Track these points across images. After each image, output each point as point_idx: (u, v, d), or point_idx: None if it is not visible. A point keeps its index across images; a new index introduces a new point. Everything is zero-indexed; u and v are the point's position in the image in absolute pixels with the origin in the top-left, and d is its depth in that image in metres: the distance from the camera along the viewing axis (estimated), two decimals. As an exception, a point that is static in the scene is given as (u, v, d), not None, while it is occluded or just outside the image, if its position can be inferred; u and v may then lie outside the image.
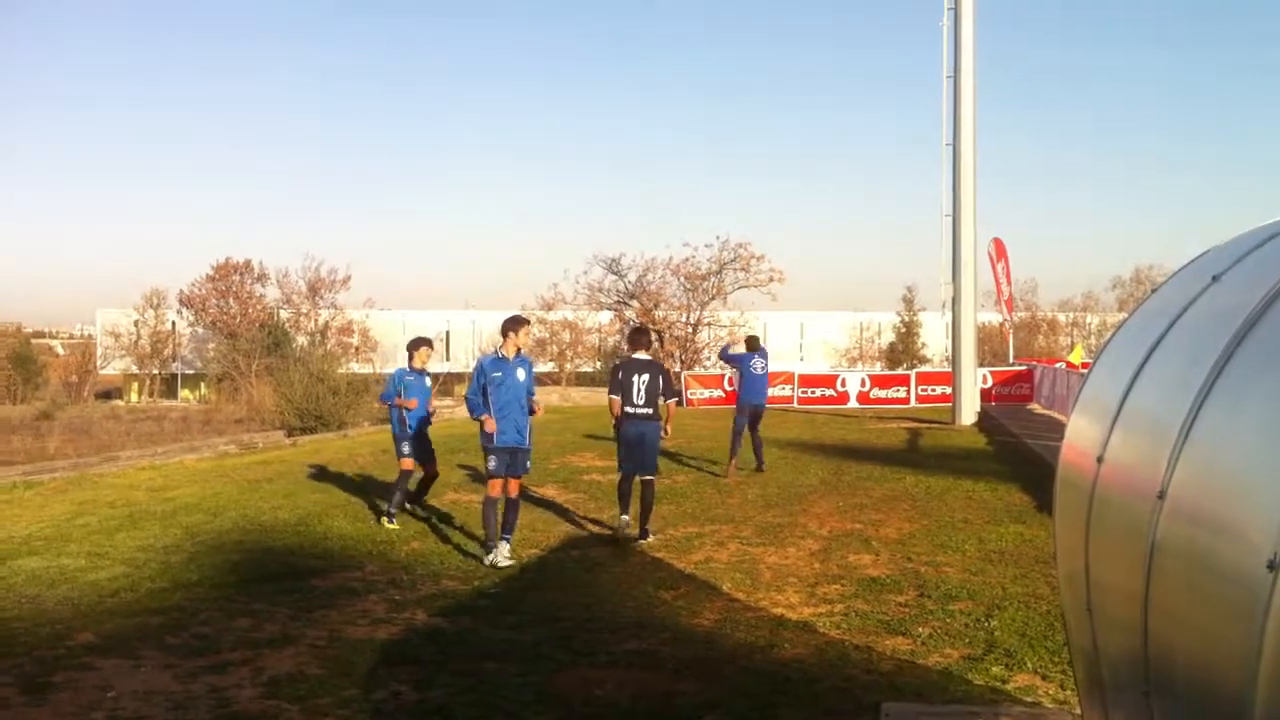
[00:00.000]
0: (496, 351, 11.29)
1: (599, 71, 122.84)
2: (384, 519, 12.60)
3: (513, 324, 11.39)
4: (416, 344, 13.66)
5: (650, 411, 12.21)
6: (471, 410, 11.31)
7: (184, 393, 71.22)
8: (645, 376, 12.15)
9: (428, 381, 13.70)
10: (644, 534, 11.80)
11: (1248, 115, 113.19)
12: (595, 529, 12.49)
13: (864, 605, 9.02)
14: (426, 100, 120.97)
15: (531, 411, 11.24)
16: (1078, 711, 5.37)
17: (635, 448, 12.22)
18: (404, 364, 13.64)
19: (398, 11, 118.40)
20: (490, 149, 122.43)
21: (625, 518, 12.01)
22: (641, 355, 12.46)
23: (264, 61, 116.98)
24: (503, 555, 10.65)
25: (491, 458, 11.11)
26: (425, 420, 13.51)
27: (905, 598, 9.27)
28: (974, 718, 6.22)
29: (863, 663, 7.50)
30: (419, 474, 13.35)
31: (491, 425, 10.99)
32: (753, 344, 19.15)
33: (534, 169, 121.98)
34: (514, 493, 11.17)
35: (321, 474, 16.88)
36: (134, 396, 70.79)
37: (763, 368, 18.73)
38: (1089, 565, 3.93)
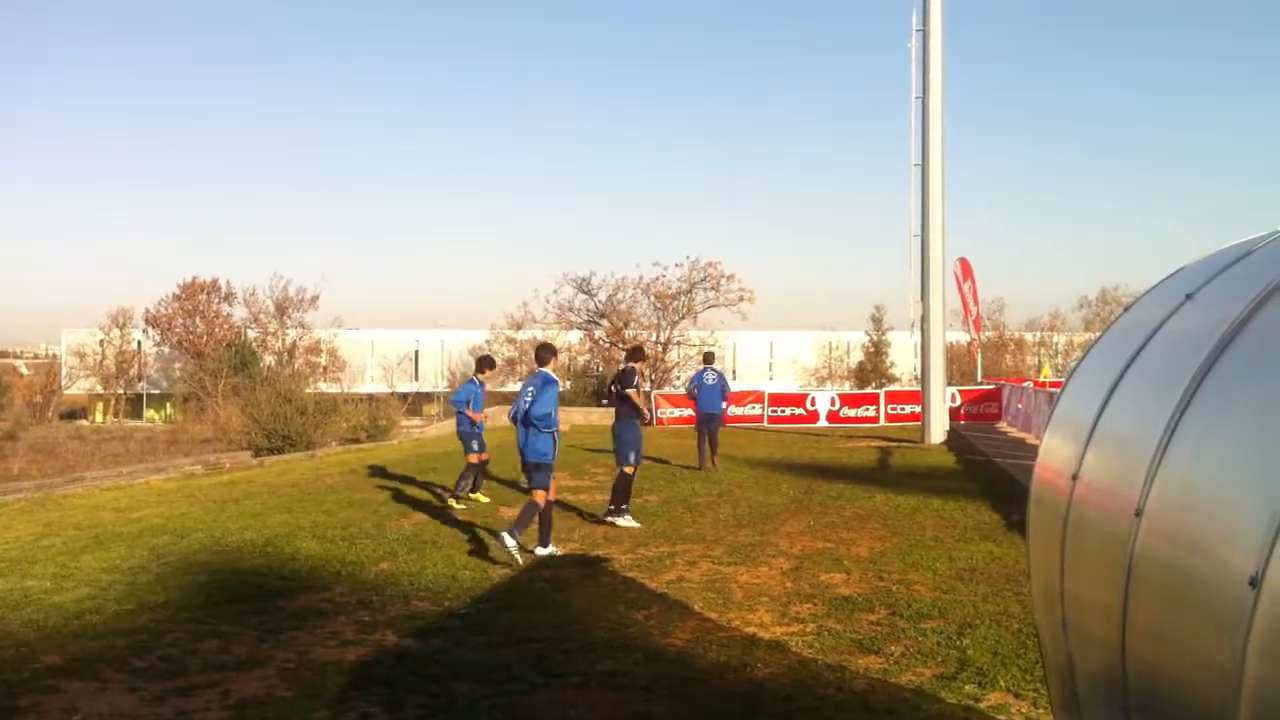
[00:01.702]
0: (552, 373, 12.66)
1: (569, 91, 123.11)
2: (473, 495, 15.75)
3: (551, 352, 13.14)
4: (489, 363, 17.66)
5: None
6: (552, 424, 12.17)
7: (149, 413, 70.70)
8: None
9: (487, 390, 17.12)
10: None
11: (1211, 137, 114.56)
12: (565, 548, 12.42)
13: (836, 624, 9.01)
14: (394, 120, 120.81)
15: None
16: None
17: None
18: (470, 376, 17.23)
19: (365, 34, 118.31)
20: (459, 168, 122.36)
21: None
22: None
23: (231, 81, 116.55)
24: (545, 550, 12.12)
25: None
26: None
27: (877, 616, 9.27)
28: (948, 737, 6.21)
29: (835, 682, 7.48)
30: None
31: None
32: (708, 359, 23.05)
33: (503, 188, 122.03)
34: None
35: (289, 495, 16.73)
36: (99, 417, 70.23)
37: (714, 379, 21.84)
38: (1064, 583, 3.92)
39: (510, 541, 11.43)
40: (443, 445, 26.27)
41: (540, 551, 11.93)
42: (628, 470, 14.71)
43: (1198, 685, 2.52)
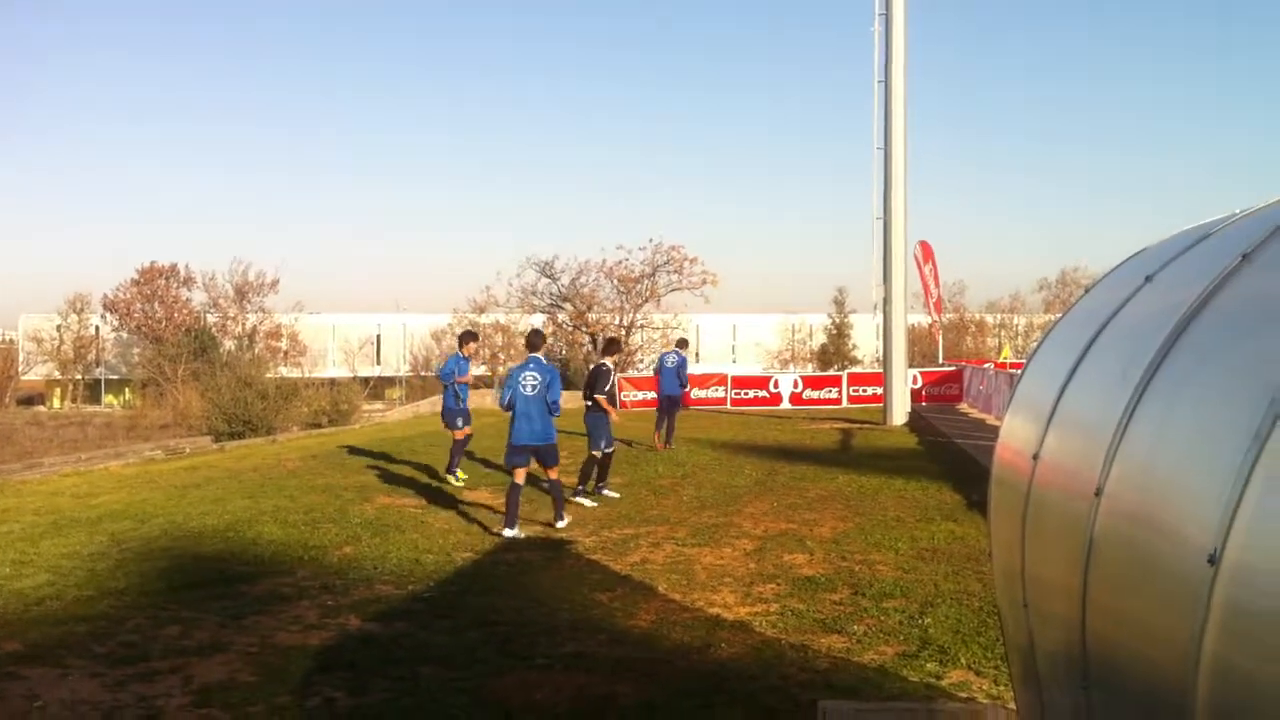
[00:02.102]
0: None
1: (529, 74, 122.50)
2: (449, 477, 16.05)
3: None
4: (471, 336, 18.47)
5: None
6: (559, 409, 12.90)
7: (108, 398, 70.05)
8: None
9: (471, 366, 17.62)
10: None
11: (1173, 120, 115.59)
12: (529, 531, 12.43)
13: (799, 604, 9.07)
14: (353, 101, 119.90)
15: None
16: (1012, 706, 5.43)
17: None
18: (447, 354, 18.36)
19: (325, 14, 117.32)
20: (420, 150, 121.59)
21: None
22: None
23: (187, 64, 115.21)
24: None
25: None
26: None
27: (840, 596, 9.33)
28: (910, 714, 6.27)
29: (799, 661, 7.54)
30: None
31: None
32: (679, 344, 23.81)
33: (465, 171, 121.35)
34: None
35: (250, 480, 16.63)
36: (57, 403, 69.50)
37: (672, 362, 22.44)
38: (1025, 562, 3.96)
39: (564, 521, 12.83)
40: (405, 429, 26.19)
41: (507, 533, 12.22)
42: (596, 454, 15.42)
43: (1157, 662, 2.55)
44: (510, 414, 12.74)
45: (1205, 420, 2.64)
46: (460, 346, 17.72)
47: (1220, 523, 2.18)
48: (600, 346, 20.48)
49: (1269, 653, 2.00)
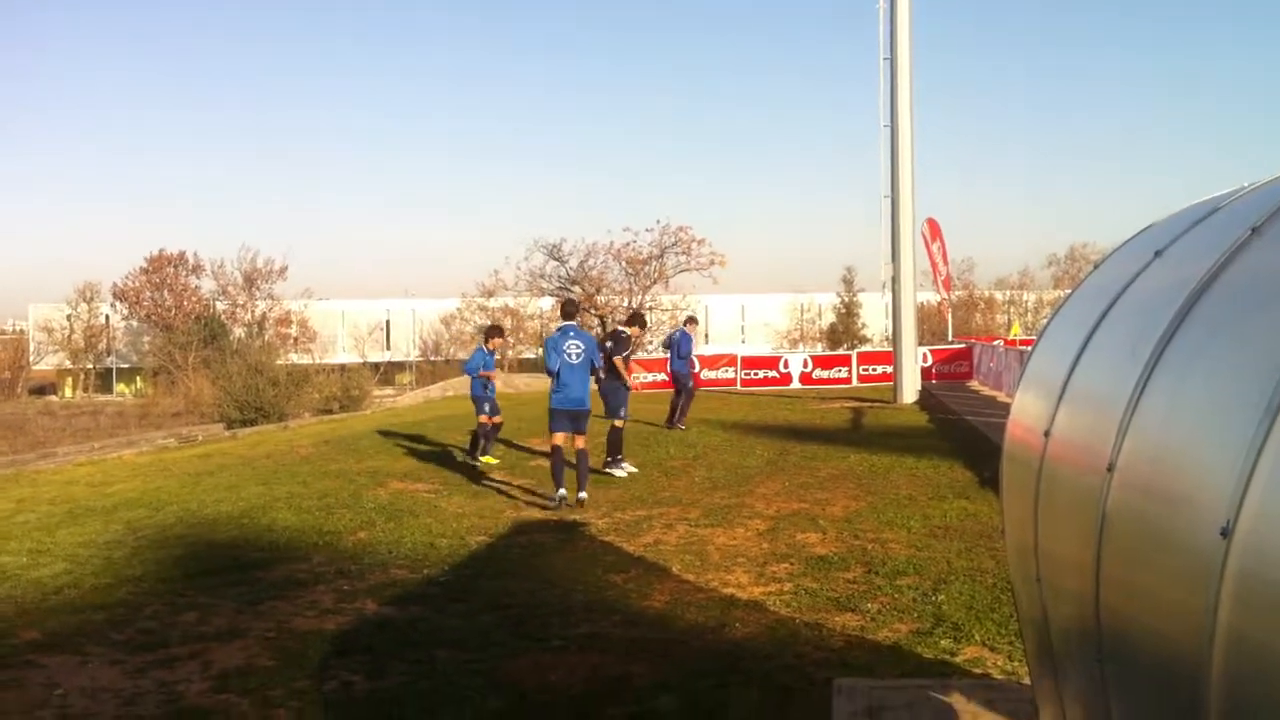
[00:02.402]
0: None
1: (535, 58, 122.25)
2: (482, 459, 16.41)
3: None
4: (497, 331, 19.31)
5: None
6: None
7: (119, 387, 70.29)
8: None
9: (496, 357, 18.52)
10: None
11: (1181, 94, 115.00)
12: (542, 515, 12.48)
13: (812, 583, 9.09)
14: (360, 88, 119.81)
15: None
16: (1026, 682, 5.45)
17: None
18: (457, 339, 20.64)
19: (329, 3, 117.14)
20: (428, 136, 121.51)
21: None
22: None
23: (195, 50, 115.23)
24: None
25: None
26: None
27: (853, 575, 9.35)
28: (925, 690, 6.29)
29: (813, 640, 7.56)
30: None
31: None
32: (687, 322, 23.70)
33: (471, 156, 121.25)
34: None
35: (263, 466, 16.70)
36: (68, 392, 69.77)
37: (675, 338, 22.82)
38: (1038, 538, 3.98)
39: (585, 495, 12.99)
40: (416, 414, 26.26)
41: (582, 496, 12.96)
42: (618, 424, 15.83)
43: (1171, 635, 2.56)
44: (552, 379, 13.40)
45: (1216, 394, 2.65)
46: (485, 341, 18.35)
47: (1233, 495, 2.19)
48: (625, 319, 20.52)
49: (1283, 623, 2.02)
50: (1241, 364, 2.57)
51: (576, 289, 49.56)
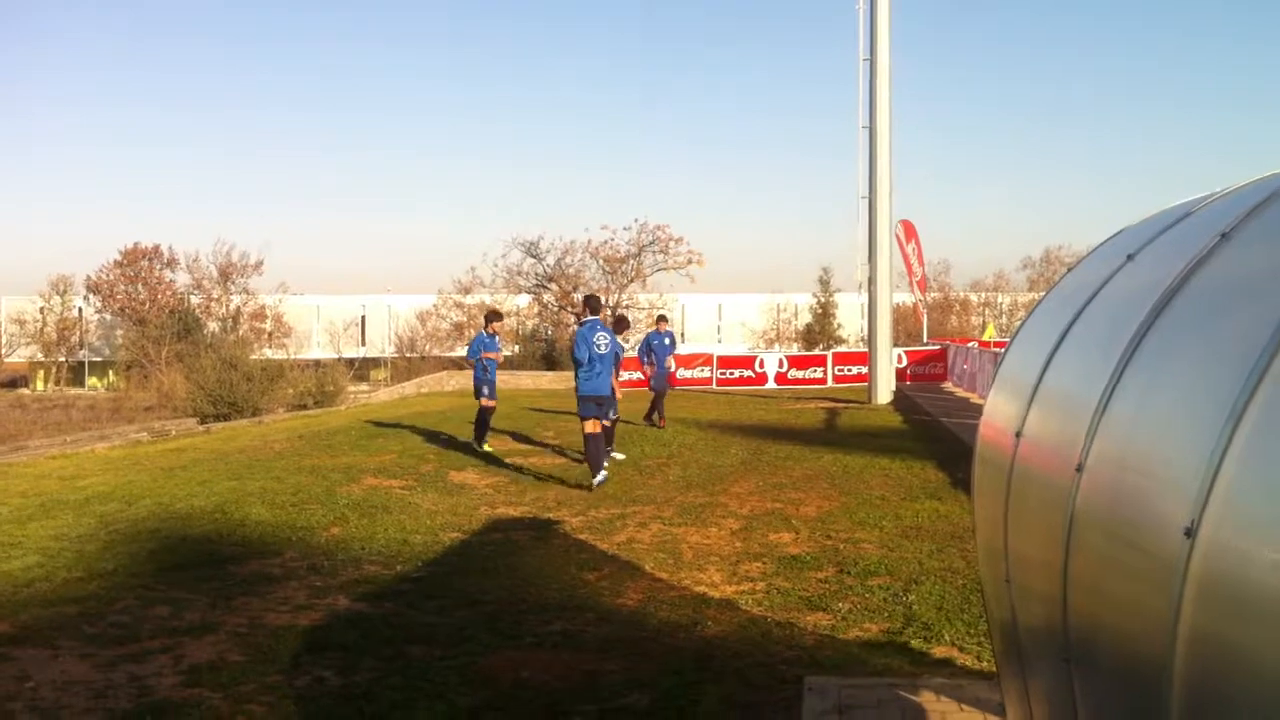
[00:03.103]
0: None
1: (513, 54, 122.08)
2: (482, 446, 17.22)
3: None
4: (496, 315, 19.69)
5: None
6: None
7: (92, 380, 69.83)
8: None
9: (499, 341, 19.09)
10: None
11: (1154, 98, 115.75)
12: (517, 512, 12.48)
13: (785, 582, 9.13)
14: (336, 81, 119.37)
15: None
16: (995, 682, 5.50)
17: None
18: (476, 332, 20.66)
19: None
20: (403, 131, 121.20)
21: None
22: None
23: (170, 42, 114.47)
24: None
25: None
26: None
27: (825, 574, 9.40)
28: (894, 689, 6.34)
29: (785, 639, 7.60)
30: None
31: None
32: (659, 321, 23.87)
33: (448, 151, 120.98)
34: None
35: (237, 461, 16.62)
36: (40, 385, 69.23)
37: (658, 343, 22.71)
38: (1008, 539, 4.01)
39: (609, 466, 14.47)
40: (391, 411, 26.18)
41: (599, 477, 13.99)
42: (614, 416, 16.70)
43: (1136, 635, 2.60)
44: (581, 368, 14.62)
45: (1183, 396, 2.69)
46: (486, 325, 19.08)
47: (1197, 496, 2.23)
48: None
49: (1244, 621, 2.05)
50: (1208, 367, 2.61)
51: (554, 286, 49.55)
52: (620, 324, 19.17)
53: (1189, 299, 2.98)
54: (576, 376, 14.78)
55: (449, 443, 18.36)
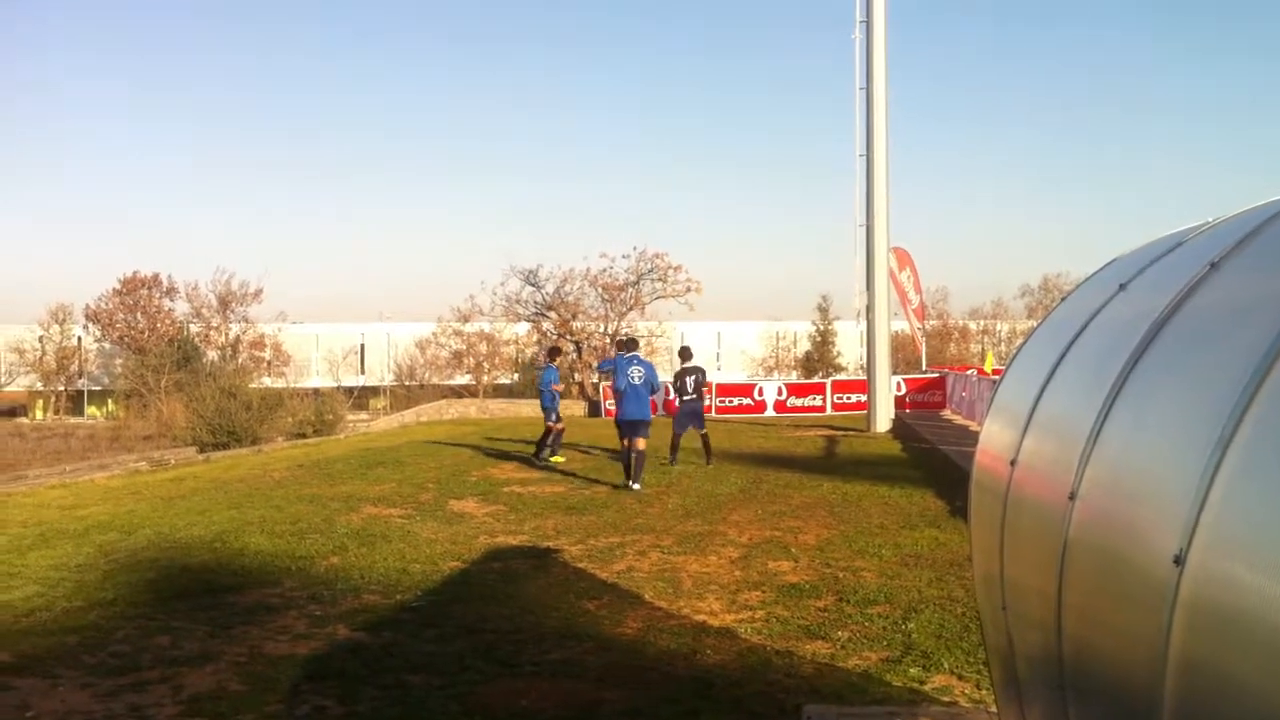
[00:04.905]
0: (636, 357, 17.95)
1: (511, 82, 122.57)
2: (552, 459, 20.19)
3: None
4: (557, 351, 24.87)
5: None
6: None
7: (91, 409, 69.71)
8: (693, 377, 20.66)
9: (559, 371, 23.02)
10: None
11: (1150, 127, 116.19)
12: (516, 541, 12.49)
13: (784, 611, 9.14)
14: (333, 111, 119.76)
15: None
16: (993, 710, 5.51)
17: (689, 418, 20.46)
18: (545, 364, 23.11)
19: (305, 20, 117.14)
20: (404, 160, 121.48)
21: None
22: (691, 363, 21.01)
23: (167, 69, 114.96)
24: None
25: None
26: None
27: (824, 602, 9.40)
28: (893, 718, 6.34)
29: (784, 667, 7.60)
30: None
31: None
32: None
33: (447, 180, 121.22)
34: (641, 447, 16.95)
35: (236, 490, 16.64)
36: (39, 414, 69.16)
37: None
38: (1004, 567, 4.04)
39: (637, 486, 16.49)
40: (390, 439, 26.21)
41: (635, 487, 16.38)
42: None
43: (1127, 661, 2.62)
44: (618, 395, 17.48)
45: (1173, 424, 2.73)
46: (550, 359, 22.96)
47: (1186, 523, 2.26)
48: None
49: (1233, 648, 2.08)
50: (1197, 395, 2.64)
51: (553, 314, 49.59)
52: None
53: (1179, 328, 3.02)
54: (616, 404, 17.70)
55: (448, 471, 18.39)
